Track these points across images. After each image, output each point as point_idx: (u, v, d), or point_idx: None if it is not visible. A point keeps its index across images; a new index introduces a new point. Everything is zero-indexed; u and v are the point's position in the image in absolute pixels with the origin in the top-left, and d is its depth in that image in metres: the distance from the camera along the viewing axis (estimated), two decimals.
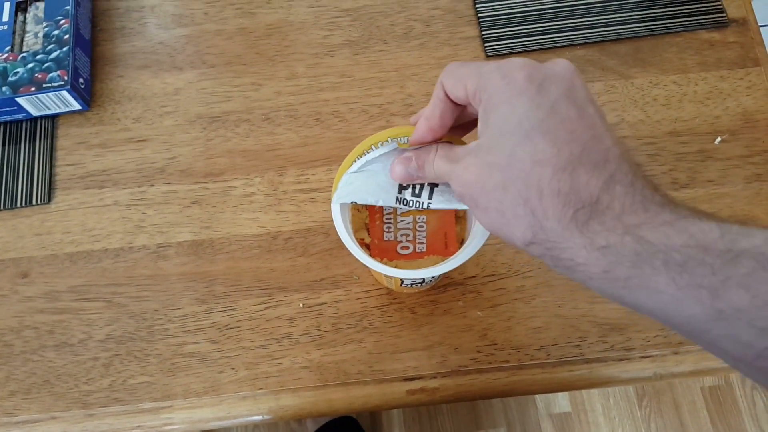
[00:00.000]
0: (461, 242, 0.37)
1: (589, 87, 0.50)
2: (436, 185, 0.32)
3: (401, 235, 0.37)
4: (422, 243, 0.37)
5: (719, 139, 0.49)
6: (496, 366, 0.42)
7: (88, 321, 0.44)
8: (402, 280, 0.37)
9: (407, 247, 0.37)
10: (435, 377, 0.42)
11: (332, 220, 0.46)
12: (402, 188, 0.33)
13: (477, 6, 0.53)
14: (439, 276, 0.38)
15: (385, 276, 0.35)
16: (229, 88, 0.51)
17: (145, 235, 0.46)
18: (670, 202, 0.23)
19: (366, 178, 0.33)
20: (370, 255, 0.36)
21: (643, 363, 0.42)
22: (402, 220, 0.37)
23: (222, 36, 0.53)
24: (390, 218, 0.37)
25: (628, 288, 0.22)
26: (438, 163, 0.29)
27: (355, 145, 0.49)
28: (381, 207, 0.37)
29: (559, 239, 0.23)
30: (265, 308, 0.44)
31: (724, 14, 0.53)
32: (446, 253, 0.36)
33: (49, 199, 0.48)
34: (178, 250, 0.46)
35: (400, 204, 0.33)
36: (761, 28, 0.55)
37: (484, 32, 0.52)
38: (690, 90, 0.50)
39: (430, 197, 0.32)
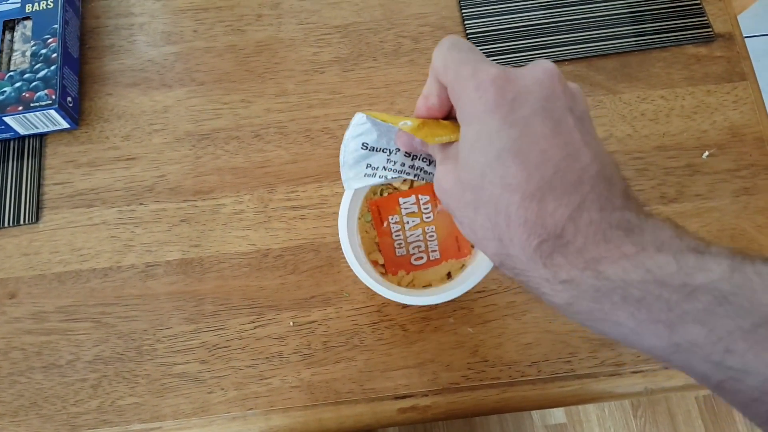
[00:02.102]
0: (472, 246, 0.37)
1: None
2: None
3: (413, 248, 0.37)
4: (435, 251, 0.37)
5: (707, 153, 0.49)
6: (487, 383, 0.42)
7: (76, 342, 0.44)
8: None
9: (421, 258, 0.37)
10: (426, 395, 0.42)
11: (322, 238, 0.46)
12: None
13: (465, 23, 0.53)
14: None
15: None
16: (219, 106, 0.51)
17: (133, 254, 0.46)
18: (636, 227, 0.22)
19: (375, 131, 0.33)
20: (386, 271, 0.37)
21: (634, 378, 0.42)
22: (411, 234, 0.37)
23: (211, 53, 0.53)
24: (399, 234, 0.37)
25: (592, 320, 0.23)
26: (433, 149, 0.29)
27: None
28: (388, 227, 0.37)
29: (525, 268, 0.23)
30: (255, 327, 0.44)
31: (710, 29, 0.53)
32: (460, 254, 0.37)
33: (37, 219, 0.48)
34: (166, 269, 0.45)
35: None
36: (747, 39, 0.56)
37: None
38: (677, 104, 0.51)
39: None
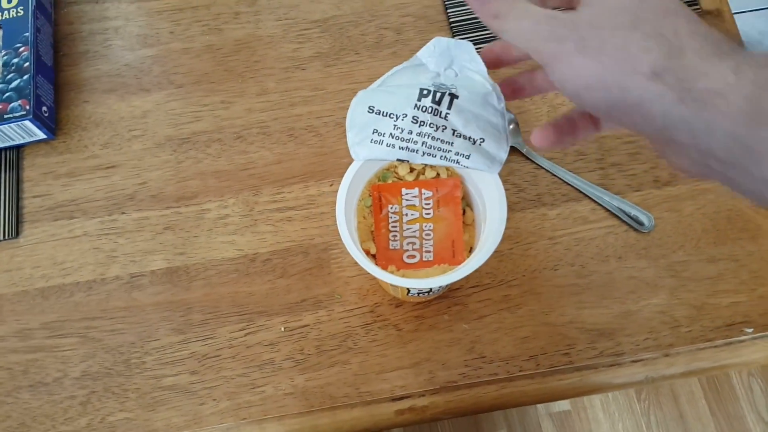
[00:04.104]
0: (470, 251, 0.36)
1: None
2: (457, 96, 0.32)
3: (407, 244, 0.36)
4: (429, 252, 0.36)
5: None
6: (485, 380, 0.41)
7: (62, 358, 0.43)
8: (409, 290, 0.36)
9: (414, 256, 0.36)
10: (423, 395, 0.41)
11: (310, 239, 0.45)
12: (422, 95, 0.32)
13: (448, 11, 0.52)
14: (447, 285, 0.37)
15: (392, 285, 0.34)
16: (199, 108, 0.50)
17: (117, 265, 0.45)
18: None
19: (382, 94, 0.33)
20: (376, 264, 0.35)
21: (634, 367, 0.41)
22: (408, 228, 0.36)
23: (189, 54, 0.52)
24: (396, 226, 0.36)
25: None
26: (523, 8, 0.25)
27: (331, 159, 0.48)
28: (386, 215, 0.36)
29: (698, 64, 0.21)
30: (245, 334, 0.42)
31: (698, 6, 0.52)
32: (454, 261, 0.35)
33: (18, 233, 0.46)
34: (152, 279, 0.44)
35: (418, 110, 0.32)
36: (735, 16, 0.55)
37: (456, 37, 0.51)
38: None
39: (449, 107, 0.32)
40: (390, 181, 0.36)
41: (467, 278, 0.43)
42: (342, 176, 0.41)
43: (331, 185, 0.46)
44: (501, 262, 0.44)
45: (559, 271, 0.44)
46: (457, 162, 0.34)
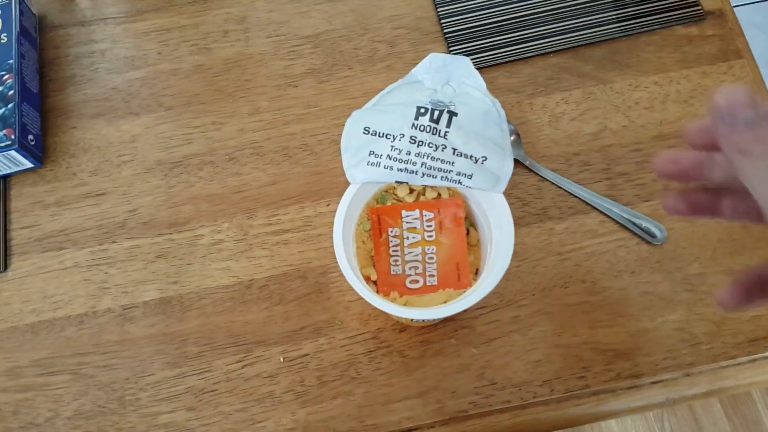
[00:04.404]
0: (476, 273, 0.34)
1: (566, 96, 0.48)
2: (455, 113, 0.31)
3: (410, 268, 0.33)
4: (433, 276, 0.33)
5: None
6: (497, 408, 0.38)
7: (54, 397, 0.40)
8: (411, 319, 0.34)
9: (417, 281, 0.33)
10: (432, 426, 0.38)
11: (308, 263, 0.42)
12: (419, 113, 0.31)
13: (442, 22, 0.50)
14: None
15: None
16: (189, 130, 0.47)
17: (109, 296, 0.42)
18: None
19: (378, 114, 0.31)
20: (377, 291, 0.33)
21: (654, 389, 0.39)
22: (410, 252, 0.33)
23: (178, 75, 0.49)
24: (397, 250, 0.33)
25: None
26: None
27: (327, 178, 0.46)
28: (386, 239, 0.33)
29: None
30: (243, 366, 0.40)
31: (699, 7, 0.50)
32: (460, 285, 0.33)
33: (6, 267, 0.44)
34: (145, 310, 0.42)
35: (416, 130, 0.31)
36: (735, 9, 0.52)
37: (451, 48, 0.49)
38: (672, 90, 0.47)
39: (448, 125, 0.31)
40: (389, 204, 0.34)
41: None
42: (339, 195, 0.39)
43: (327, 205, 0.44)
44: (508, 281, 0.41)
45: (570, 288, 0.41)
46: (459, 182, 0.31)
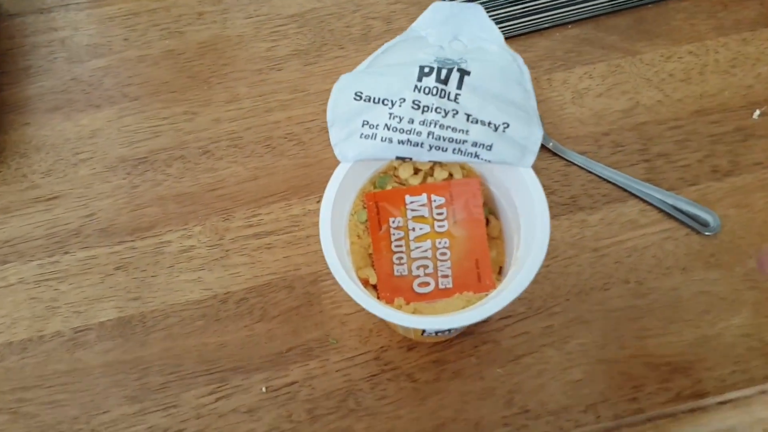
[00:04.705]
0: (499, 272, 0.26)
1: (590, 70, 0.41)
2: (468, 72, 0.23)
3: (418, 268, 0.26)
4: (447, 276, 0.26)
5: (758, 112, 0.38)
6: None
7: None
8: (422, 331, 0.26)
9: (427, 284, 0.26)
10: None
11: (296, 270, 0.35)
12: (422, 74, 0.24)
13: None
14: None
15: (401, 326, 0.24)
16: (157, 122, 0.40)
17: (58, 318, 0.35)
18: None
19: (372, 77, 0.24)
20: (378, 297, 0.25)
21: (723, 411, 0.31)
22: (417, 247, 0.26)
23: (146, 62, 0.42)
24: (401, 245, 0.26)
25: None
26: None
27: (317, 171, 0.38)
28: (387, 231, 0.26)
29: None
30: (217, 399, 0.32)
31: None
32: (480, 287, 0.25)
33: None
34: (100, 333, 0.34)
35: (419, 93, 0.24)
36: None
37: None
38: (710, 59, 0.40)
39: (459, 87, 0.24)
40: (389, 188, 0.26)
41: None
42: None
43: (318, 202, 0.37)
44: (537, 284, 0.34)
45: (611, 290, 0.34)
46: (476, 155, 0.24)
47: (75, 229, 0.37)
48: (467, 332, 0.33)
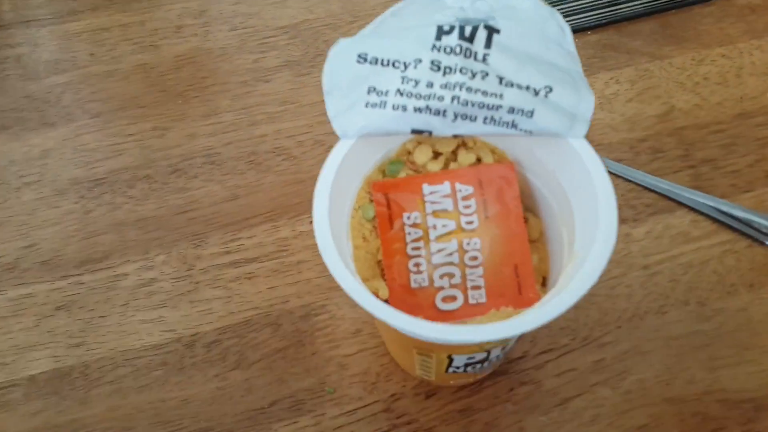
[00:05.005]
0: (543, 283, 0.21)
1: (616, 75, 0.38)
2: (497, 30, 0.19)
3: (441, 277, 0.20)
4: (478, 287, 0.20)
5: None
6: None
7: None
8: (450, 360, 0.21)
9: (453, 298, 0.20)
10: None
11: (283, 303, 0.29)
12: (441, 32, 0.20)
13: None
14: (514, 341, 0.22)
15: (420, 357, 0.19)
16: (121, 140, 0.36)
17: None
18: None
19: (379, 39, 0.20)
20: None
21: None
22: (440, 249, 0.20)
23: (114, 77, 0.39)
24: (419, 247, 0.20)
25: None
26: None
27: (310, 188, 0.34)
28: (401, 230, 0.21)
29: None
30: None
31: None
32: (522, 301, 0.20)
33: None
34: (28, 390, 0.28)
35: (439, 53, 0.19)
36: None
37: None
38: (746, 62, 0.38)
39: (487, 46, 0.19)
40: (403, 176, 0.22)
41: (533, 341, 0.27)
42: None
43: (311, 222, 0.32)
44: (581, 310, 0.28)
45: (669, 314, 0.28)
46: (513, 125, 0.20)
47: (10, 263, 0.31)
48: (499, 371, 0.27)
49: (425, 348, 0.21)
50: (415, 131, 0.20)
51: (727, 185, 0.33)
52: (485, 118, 0.20)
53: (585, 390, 0.27)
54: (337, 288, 0.29)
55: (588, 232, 0.19)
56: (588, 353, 0.27)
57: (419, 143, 0.22)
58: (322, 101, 0.38)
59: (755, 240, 0.31)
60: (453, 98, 0.20)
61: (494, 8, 0.21)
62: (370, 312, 0.17)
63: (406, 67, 0.20)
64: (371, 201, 0.21)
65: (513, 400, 0.26)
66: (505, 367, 0.27)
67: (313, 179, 0.33)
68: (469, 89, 0.20)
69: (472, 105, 0.20)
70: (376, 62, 0.20)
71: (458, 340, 0.16)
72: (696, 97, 0.36)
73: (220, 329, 0.29)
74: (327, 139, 0.35)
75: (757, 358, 0.27)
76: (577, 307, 0.28)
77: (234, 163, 0.35)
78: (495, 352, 0.22)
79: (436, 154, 0.22)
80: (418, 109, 0.20)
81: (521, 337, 0.28)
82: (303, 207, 0.33)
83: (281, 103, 0.37)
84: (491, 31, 0.20)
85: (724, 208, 0.31)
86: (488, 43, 0.20)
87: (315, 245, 0.30)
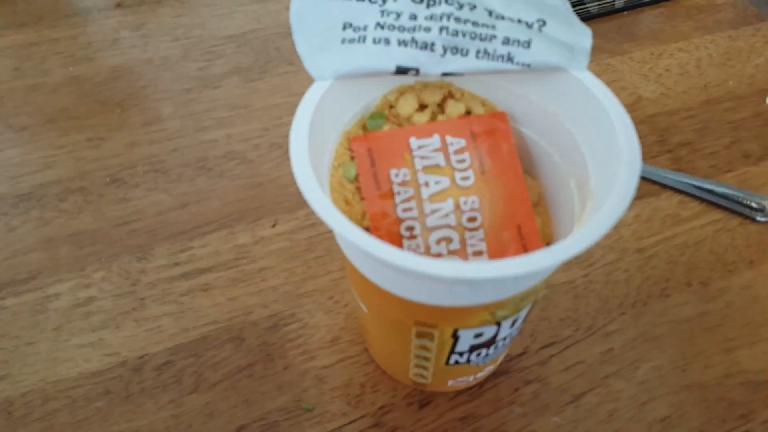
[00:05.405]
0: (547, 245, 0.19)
1: None
2: None
3: (437, 242, 0.18)
4: (480, 253, 0.18)
5: None
6: None
7: None
8: (454, 342, 0.19)
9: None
10: None
11: (246, 314, 0.26)
12: None
13: None
14: (521, 322, 0.20)
15: (419, 342, 0.17)
16: (51, 152, 0.33)
17: None
18: None
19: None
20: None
21: None
22: (435, 210, 0.18)
23: (41, 91, 0.37)
24: (411, 208, 0.18)
25: None
26: None
27: (270, 191, 0.32)
28: (389, 191, 0.19)
29: None
30: None
31: None
32: None
33: None
34: None
35: None
36: None
37: None
38: (703, 54, 0.40)
39: None
40: (385, 129, 0.20)
41: (533, 336, 0.25)
42: (291, 211, 0.27)
43: (273, 226, 0.30)
44: (578, 299, 0.27)
45: (673, 296, 0.28)
46: (509, 58, 0.19)
47: None
48: (500, 371, 0.25)
49: (430, 319, 0.19)
50: (399, 69, 0.19)
51: (708, 167, 0.33)
52: (478, 51, 0.19)
53: (597, 384, 0.25)
54: (309, 293, 0.27)
55: (606, 164, 0.18)
56: (594, 344, 0.26)
57: (402, 93, 0.20)
58: (278, 104, 0.37)
59: (746, 217, 0.31)
60: (441, 29, 0.19)
61: None
62: (387, 260, 0.14)
63: (384, 0, 0.19)
64: (352, 158, 0.20)
65: (519, 402, 0.24)
66: (505, 366, 0.25)
67: (273, 182, 0.32)
68: (458, 19, 0.19)
69: (463, 35, 0.19)
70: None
71: (497, 275, 0.14)
72: (661, 87, 0.38)
73: (172, 349, 0.25)
74: (285, 142, 0.34)
75: None
76: (575, 296, 0.27)
77: (181, 170, 0.32)
78: (504, 329, 0.20)
79: (422, 106, 0.21)
80: (402, 42, 0.19)
81: (520, 331, 0.26)
82: (263, 211, 0.30)
83: (231, 108, 0.36)
84: None
85: (710, 187, 0.32)
86: None
87: (279, 250, 0.28)
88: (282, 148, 0.34)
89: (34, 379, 0.25)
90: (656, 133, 0.35)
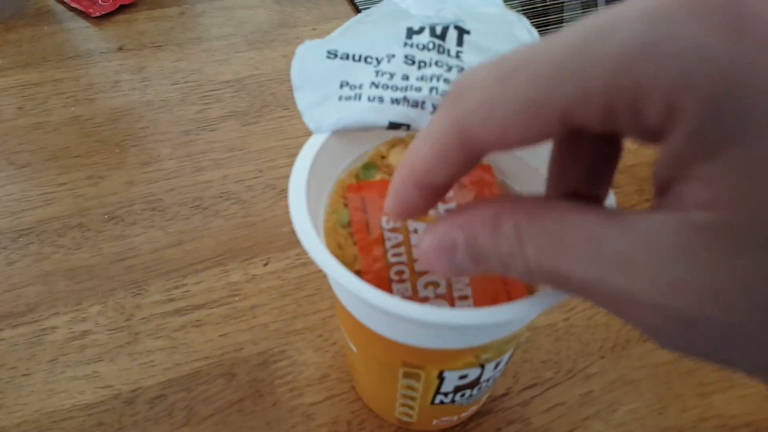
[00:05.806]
0: (530, 293, 0.22)
1: None
2: (467, 31, 0.22)
3: (425, 287, 0.21)
4: (466, 297, 0.21)
5: None
6: None
7: None
8: (439, 382, 0.21)
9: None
10: None
11: (237, 350, 0.28)
12: (412, 32, 0.22)
13: None
14: (503, 364, 0.22)
15: (406, 382, 0.19)
16: (51, 189, 0.36)
17: None
18: None
19: (348, 39, 0.22)
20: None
21: None
22: None
23: (43, 129, 0.39)
24: (400, 253, 0.21)
25: None
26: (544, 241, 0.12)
27: (263, 230, 0.34)
28: (379, 238, 0.21)
29: None
30: None
31: None
32: None
33: None
34: None
35: (412, 48, 0.21)
36: None
37: None
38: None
39: (459, 44, 0.22)
40: (377, 179, 0.23)
41: (516, 377, 0.27)
42: (283, 250, 0.29)
43: (265, 265, 0.32)
44: (559, 341, 0.29)
45: (650, 341, 0.30)
46: None
47: None
48: (483, 411, 0.27)
49: (417, 360, 0.21)
50: (392, 124, 0.22)
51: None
52: None
53: (577, 425, 0.27)
54: (298, 331, 0.29)
55: None
56: (575, 386, 0.28)
57: (394, 146, 0.23)
58: (272, 147, 0.40)
59: None
60: (431, 89, 0.22)
61: (461, 17, 0.24)
62: (378, 305, 0.16)
63: (379, 61, 0.22)
64: (346, 205, 0.22)
65: None
66: (489, 406, 0.27)
67: (266, 222, 0.34)
68: (447, 81, 0.22)
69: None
70: (347, 58, 0.22)
71: (480, 322, 0.16)
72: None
73: (165, 383, 0.27)
74: (278, 183, 0.36)
75: (746, 380, 0.29)
76: (557, 339, 0.30)
77: (177, 209, 0.35)
78: (488, 371, 0.22)
79: None
80: (395, 101, 0.21)
81: (503, 372, 0.28)
82: (255, 250, 0.33)
83: (228, 150, 0.38)
84: (461, 31, 0.23)
85: None
86: (460, 42, 0.23)
87: (270, 288, 0.30)
88: (275, 189, 0.36)
89: (29, 410, 0.26)
90: (636, 183, 0.38)
